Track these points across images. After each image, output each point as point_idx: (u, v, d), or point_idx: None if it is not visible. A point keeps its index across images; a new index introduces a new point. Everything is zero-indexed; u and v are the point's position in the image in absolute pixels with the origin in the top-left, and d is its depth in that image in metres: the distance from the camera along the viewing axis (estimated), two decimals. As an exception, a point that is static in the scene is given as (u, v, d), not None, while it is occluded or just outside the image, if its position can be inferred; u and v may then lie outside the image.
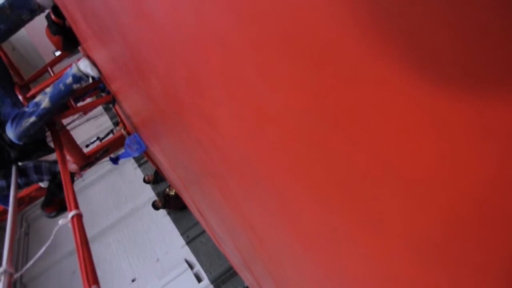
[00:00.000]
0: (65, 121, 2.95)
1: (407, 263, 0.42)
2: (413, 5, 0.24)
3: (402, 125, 0.31)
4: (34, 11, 2.28)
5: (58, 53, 3.16)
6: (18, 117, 2.09)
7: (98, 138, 4.71)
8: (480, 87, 0.24)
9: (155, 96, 1.21)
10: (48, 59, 5.62)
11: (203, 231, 6.31)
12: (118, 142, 3.91)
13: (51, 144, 2.48)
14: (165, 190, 6.98)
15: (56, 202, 2.50)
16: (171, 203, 6.75)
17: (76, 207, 1.71)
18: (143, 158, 8.16)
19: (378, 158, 0.36)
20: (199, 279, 6.21)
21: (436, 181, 0.31)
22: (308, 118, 0.42)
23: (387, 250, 0.44)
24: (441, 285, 0.39)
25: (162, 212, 7.17)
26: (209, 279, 6.07)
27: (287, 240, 0.79)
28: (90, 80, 2.48)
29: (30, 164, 2.39)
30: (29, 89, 2.87)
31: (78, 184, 7.37)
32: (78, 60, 2.42)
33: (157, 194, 7.55)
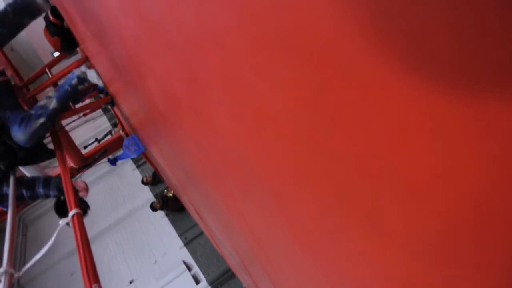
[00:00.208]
0: (63, 122, 2.95)
1: (406, 264, 0.42)
2: (412, 5, 0.24)
3: (401, 125, 0.32)
4: (35, 14, 2.30)
5: (56, 54, 3.15)
6: (26, 120, 2.11)
7: (96, 140, 4.70)
8: (479, 87, 0.24)
9: (153, 97, 1.21)
10: (46, 60, 5.61)
11: (201, 233, 6.30)
12: (117, 144, 3.90)
13: (50, 146, 2.48)
14: (163, 191, 6.97)
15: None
16: (169, 205, 6.74)
17: (76, 206, 1.71)
18: (142, 160, 8.14)
19: (377, 159, 0.36)
20: (197, 281, 6.20)
21: (435, 181, 0.31)
22: (307, 119, 0.43)
23: (387, 251, 0.44)
24: (441, 285, 0.39)
25: (160, 213, 7.15)
26: (207, 280, 6.06)
27: (286, 241, 0.79)
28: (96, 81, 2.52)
29: (40, 177, 2.33)
30: (28, 90, 2.87)
31: (77, 185, 7.31)
32: (79, 63, 2.49)
33: (155, 196, 7.54)
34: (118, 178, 8.46)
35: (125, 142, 3.26)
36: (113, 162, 3.64)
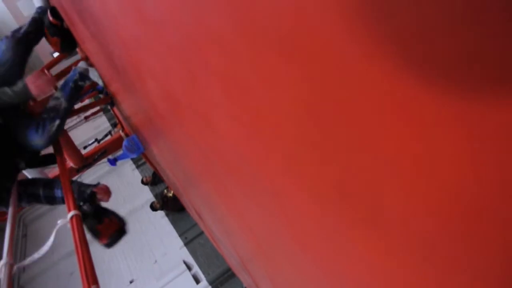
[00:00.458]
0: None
1: (405, 264, 0.42)
2: (410, 6, 0.24)
3: (400, 125, 0.32)
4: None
5: (56, 55, 3.15)
6: (41, 125, 2.12)
7: (96, 140, 4.70)
8: (478, 87, 0.24)
9: (152, 97, 1.21)
10: (46, 60, 5.61)
11: (201, 232, 6.30)
12: (116, 144, 3.90)
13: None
14: (163, 191, 6.97)
15: (103, 230, 2.32)
16: (169, 205, 6.74)
17: (75, 207, 1.71)
18: (141, 160, 8.14)
19: (375, 159, 0.36)
20: (197, 281, 6.20)
21: (435, 182, 0.31)
22: (306, 119, 0.43)
23: (386, 251, 0.44)
24: (440, 285, 0.39)
25: (160, 213, 7.15)
26: (207, 280, 6.06)
27: (285, 241, 0.79)
28: (96, 79, 2.53)
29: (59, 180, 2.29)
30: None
31: (76, 185, 7.30)
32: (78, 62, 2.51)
33: (155, 196, 7.53)
34: (118, 178, 8.46)
35: (125, 142, 3.26)
36: (113, 162, 3.63)
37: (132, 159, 7.81)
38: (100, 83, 2.55)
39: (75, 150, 3.31)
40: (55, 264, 7.02)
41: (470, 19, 0.22)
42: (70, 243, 1.51)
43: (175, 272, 6.37)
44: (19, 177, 2.13)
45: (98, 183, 2.22)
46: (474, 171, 0.27)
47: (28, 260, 1.67)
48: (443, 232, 0.34)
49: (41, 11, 2.37)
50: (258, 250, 1.20)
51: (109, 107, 3.42)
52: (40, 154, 2.35)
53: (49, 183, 2.13)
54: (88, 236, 1.65)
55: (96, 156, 3.65)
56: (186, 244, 6.67)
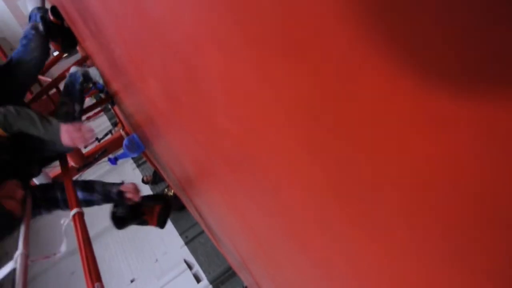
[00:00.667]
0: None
1: (406, 264, 0.42)
2: (411, 5, 0.24)
3: (402, 125, 0.32)
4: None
5: (56, 53, 3.15)
6: None
7: (96, 139, 4.71)
8: (479, 87, 0.24)
9: (153, 96, 1.21)
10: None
11: (202, 231, 6.30)
12: (117, 143, 3.90)
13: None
14: (163, 190, 6.97)
15: (148, 218, 2.20)
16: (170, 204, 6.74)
17: (78, 205, 1.72)
18: (142, 159, 8.15)
19: (377, 159, 0.36)
20: (198, 280, 6.21)
21: (436, 182, 0.31)
22: (308, 119, 0.43)
23: (386, 252, 0.44)
24: (441, 285, 0.39)
25: (161, 212, 7.15)
26: (208, 279, 6.07)
27: (286, 241, 0.79)
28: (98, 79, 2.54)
29: (99, 181, 2.23)
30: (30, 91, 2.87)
31: (77, 184, 7.32)
32: (73, 65, 2.50)
33: (156, 195, 7.55)
34: (119, 177, 8.47)
35: (126, 141, 3.26)
36: (113, 161, 3.64)
37: (132, 158, 7.82)
38: (101, 81, 2.55)
39: (76, 149, 3.31)
40: (56, 263, 7.03)
41: (475, 19, 0.22)
42: (71, 242, 1.52)
43: (176, 271, 6.38)
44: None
45: (123, 182, 2.14)
46: (475, 170, 0.27)
47: (42, 257, 1.71)
48: (443, 233, 0.34)
49: (43, 11, 2.36)
50: (259, 249, 1.20)
51: (109, 106, 3.42)
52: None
53: (90, 185, 2.08)
54: (91, 233, 1.65)
55: (97, 155, 3.65)
56: (187, 243, 6.68)
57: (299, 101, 0.42)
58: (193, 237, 6.62)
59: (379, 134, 0.34)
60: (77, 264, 1.41)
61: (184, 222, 6.76)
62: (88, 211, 1.82)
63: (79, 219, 1.64)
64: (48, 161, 2.22)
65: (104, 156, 3.77)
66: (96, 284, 1.25)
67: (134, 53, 1.08)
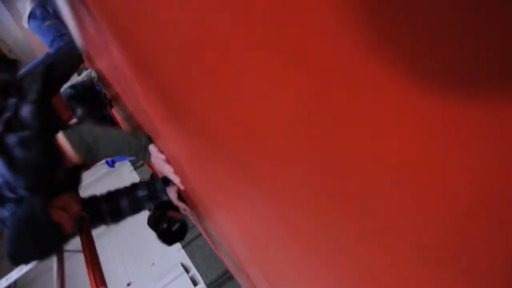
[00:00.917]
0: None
1: (405, 266, 0.42)
2: (410, 7, 0.24)
3: (401, 126, 0.32)
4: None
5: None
6: None
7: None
8: (477, 88, 0.24)
9: (151, 98, 1.21)
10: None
11: (199, 235, 6.28)
12: (115, 145, 3.88)
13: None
14: (161, 193, 6.94)
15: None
16: (168, 206, 6.71)
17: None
18: (139, 161, 8.12)
19: (375, 161, 0.36)
20: (195, 283, 6.18)
21: (435, 182, 0.31)
22: (305, 120, 0.43)
23: (386, 252, 0.44)
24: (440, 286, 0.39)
25: (158, 215, 7.12)
26: (205, 282, 6.04)
27: (284, 244, 0.79)
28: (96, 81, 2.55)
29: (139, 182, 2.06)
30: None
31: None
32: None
33: (154, 197, 7.51)
34: (116, 180, 8.43)
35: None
36: (111, 164, 3.63)
37: (130, 160, 7.80)
38: (100, 84, 2.56)
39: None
40: (53, 267, 6.98)
41: (473, 20, 0.22)
42: (70, 243, 1.51)
43: (173, 275, 6.35)
44: None
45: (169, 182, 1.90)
46: (474, 172, 0.27)
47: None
48: (443, 234, 0.34)
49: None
50: (256, 252, 1.20)
51: (108, 109, 3.42)
52: None
53: (132, 188, 1.95)
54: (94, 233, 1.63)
55: (95, 158, 3.63)
56: (183, 247, 6.65)
57: (299, 104, 0.42)
58: (190, 240, 6.59)
59: (379, 136, 0.34)
60: (74, 266, 1.41)
61: (182, 225, 6.72)
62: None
63: (84, 221, 1.63)
64: None
65: (101, 159, 3.76)
66: None
67: (132, 53, 1.08)
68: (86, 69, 2.77)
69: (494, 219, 0.28)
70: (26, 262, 1.55)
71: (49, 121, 1.62)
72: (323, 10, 0.31)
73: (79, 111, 2.41)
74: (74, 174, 1.84)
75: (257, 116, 0.53)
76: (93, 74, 2.58)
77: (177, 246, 6.66)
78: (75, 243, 1.51)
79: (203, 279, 6.05)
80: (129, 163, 8.46)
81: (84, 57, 2.70)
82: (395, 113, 0.31)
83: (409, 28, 0.25)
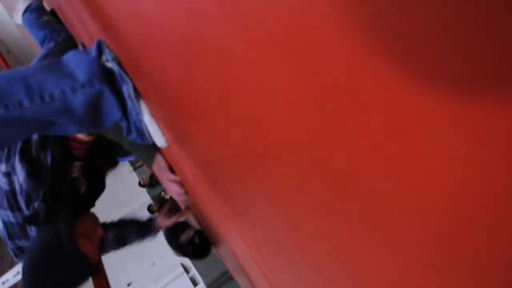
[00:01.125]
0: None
1: (405, 267, 0.42)
2: (410, 5, 0.24)
3: (400, 126, 0.31)
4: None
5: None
6: None
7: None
8: (478, 88, 0.24)
9: (148, 99, 1.21)
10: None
11: (199, 235, 6.28)
12: (114, 146, 3.89)
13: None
14: (160, 193, 6.96)
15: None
16: (167, 207, 6.73)
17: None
18: (139, 162, 8.13)
19: (376, 161, 0.36)
20: (194, 283, 6.19)
21: (434, 183, 0.31)
22: (305, 121, 0.42)
23: (385, 252, 0.44)
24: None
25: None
26: (204, 283, 6.05)
27: (284, 245, 0.79)
28: None
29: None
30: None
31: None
32: None
33: (153, 198, 7.52)
34: (115, 180, 8.44)
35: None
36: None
37: (129, 161, 7.80)
38: None
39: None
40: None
41: (477, 18, 0.22)
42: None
43: (173, 275, 6.36)
44: None
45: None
46: (474, 172, 0.27)
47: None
48: (443, 234, 0.33)
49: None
50: (256, 253, 1.20)
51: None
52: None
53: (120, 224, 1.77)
54: None
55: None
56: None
57: (297, 103, 0.42)
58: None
59: (380, 135, 0.34)
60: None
61: (181, 225, 6.73)
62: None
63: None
64: None
65: (101, 159, 3.75)
66: None
67: (131, 54, 1.08)
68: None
69: (494, 219, 0.28)
70: None
71: None
72: (324, 10, 0.31)
73: None
74: (97, 182, 1.73)
75: (257, 117, 0.53)
76: None
77: (177, 246, 6.65)
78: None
79: (203, 279, 6.06)
80: (128, 164, 8.46)
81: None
82: (395, 113, 0.31)
83: (410, 28, 0.25)
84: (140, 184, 7.67)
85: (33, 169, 1.33)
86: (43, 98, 1.04)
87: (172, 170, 1.57)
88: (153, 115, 1.28)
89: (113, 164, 1.82)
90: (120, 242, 1.76)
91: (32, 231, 1.42)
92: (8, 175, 1.34)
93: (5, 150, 1.32)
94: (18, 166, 1.32)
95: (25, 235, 1.43)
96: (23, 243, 1.44)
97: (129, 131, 1.27)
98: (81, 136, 1.48)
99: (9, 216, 1.37)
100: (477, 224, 0.30)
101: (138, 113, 1.23)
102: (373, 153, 0.36)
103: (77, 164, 1.54)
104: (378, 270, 0.48)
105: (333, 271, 0.64)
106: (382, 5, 0.26)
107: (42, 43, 1.95)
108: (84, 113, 1.13)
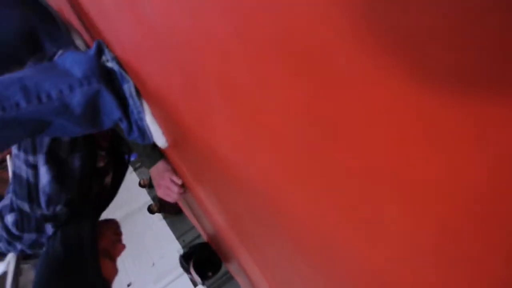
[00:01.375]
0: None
1: (404, 267, 0.42)
2: (408, 6, 0.24)
3: (400, 126, 0.32)
4: None
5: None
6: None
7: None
8: (476, 88, 0.24)
9: (149, 101, 1.21)
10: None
11: (199, 235, 6.29)
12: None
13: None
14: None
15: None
16: (167, 207, 6.73)
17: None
18: (139, 162, 8.12)
19: (374, 162, 0.36)
20: (194, 284, 6.18)
21: (434, 183, 0.31)
22: (304, 122, 0.42)
23: (385, 253, 0.44)
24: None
25: (158, 216, 7.13)
26: (204, 283, 6.04)
27: (284, 246, 0.79)
28: None
29: None
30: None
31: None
32: None
33: (153, 198, 7.51)
34: (115, 181, 8.42)
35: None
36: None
37: (129, 161, 7.79)
38: None
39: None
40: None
41: (476, 18, 0.22)
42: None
43: (173, 275, 6.34)
44: None
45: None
46: (474, 172, 0.27)
47: None
48: (443, 234, 0.33)
49: None
50: (256, 254, 1.20)
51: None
52: None
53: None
54: None
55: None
56: (184, 247, 6.65)
57: (299, 106, 0.42)
58: (190, 241, 6.59)
59: (378, 136, 0.34)
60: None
61: (181, 226, 6.72)
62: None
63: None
64: None
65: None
66: None
67: (130, 57, 1.08)
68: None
69: (494, 219, 0.28)
70: None
71: None
72: (322, 10, 0.31)
73: None
74: (120, 168, 1.69)
75: (257, 119, 0.53)
76: None
77: (178, 246, 6.66)
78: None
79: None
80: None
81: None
82: (395, 113, 0.31)
83: (410, 28, 0.25)
84: (140, 185, 7.66)
85: (60, 174, 1.31)
86: (40, 99, 1.04)
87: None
88: (153, 115, 1.28)
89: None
90: None
91: (49, 228, 1.40)
92: (35, 168, 1.30)
93: (31, 141, 1.29)
94: (43, 169, 1.30)
95: (41, 231, 1.40)
96: (33, 236, 1.40)
97: (130, 131, 1.27)
98: None
99: (24, 206, 1.33)
100: (477, 224, 0.30)
101: (140, 112, 1.23)
102: (373, 153, 0.36)
103: (102, 154, 1.54)
104: (378, 270, 0.48)
105: (333, 270, 0.64)
106: (382, 5, 0.26)
107: None
108: (82, 113, 1.13)
